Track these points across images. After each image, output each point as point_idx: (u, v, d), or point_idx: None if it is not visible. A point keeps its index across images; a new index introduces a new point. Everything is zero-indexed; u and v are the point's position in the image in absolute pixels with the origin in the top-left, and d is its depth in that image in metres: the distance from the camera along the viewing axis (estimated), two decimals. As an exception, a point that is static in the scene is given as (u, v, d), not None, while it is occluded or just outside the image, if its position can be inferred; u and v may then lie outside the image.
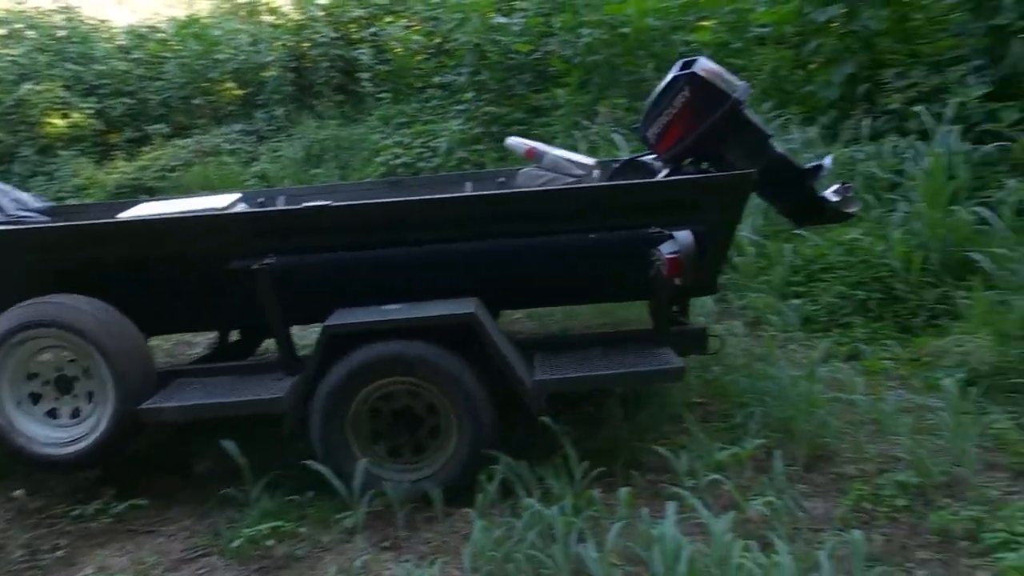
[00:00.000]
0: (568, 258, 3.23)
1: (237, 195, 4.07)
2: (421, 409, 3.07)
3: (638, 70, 7.89)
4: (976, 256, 4.12)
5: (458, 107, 9.19)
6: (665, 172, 3.54)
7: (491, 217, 3.20)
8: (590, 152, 6.31)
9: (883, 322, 4.35)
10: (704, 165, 3.44)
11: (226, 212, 3.58)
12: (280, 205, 4.16)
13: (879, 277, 4.48)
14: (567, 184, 3.65)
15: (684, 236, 2.95)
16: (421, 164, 8.61)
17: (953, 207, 4.55)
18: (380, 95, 10.29)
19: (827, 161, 3.48)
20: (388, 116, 9.79)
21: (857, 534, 2.38)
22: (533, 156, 3.80)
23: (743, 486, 2.87)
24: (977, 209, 4.48)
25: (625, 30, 7.99)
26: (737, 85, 3.28)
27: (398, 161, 8.71)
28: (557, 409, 3.06)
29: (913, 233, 4.58)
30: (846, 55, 6.36)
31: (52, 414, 3.19)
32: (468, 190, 4.21)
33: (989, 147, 4.91)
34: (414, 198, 3.43)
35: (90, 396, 3.15)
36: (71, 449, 3.08)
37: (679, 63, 3.38)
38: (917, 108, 5.42)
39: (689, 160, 3.45)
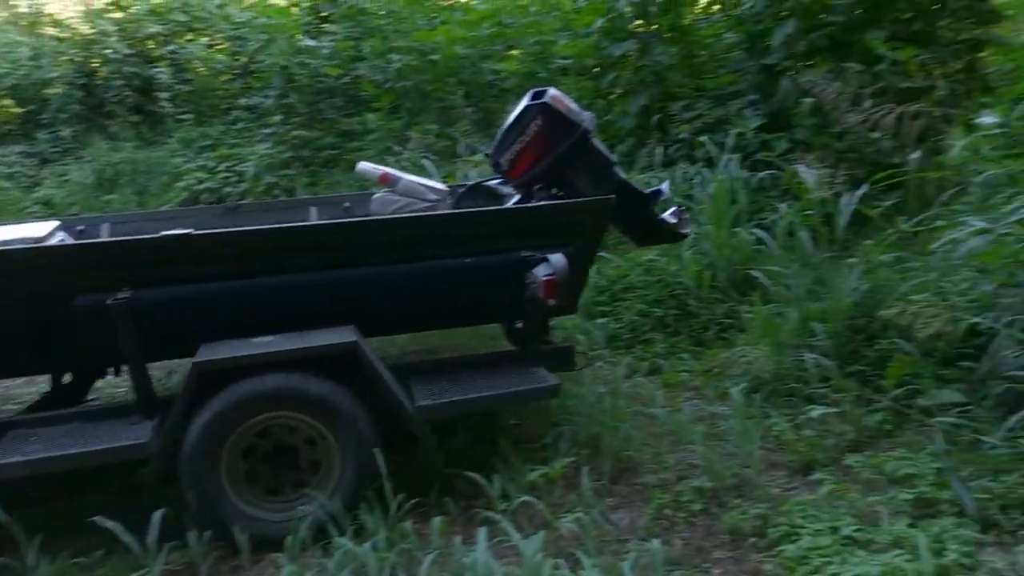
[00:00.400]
0: (443, 283, 3.21)
1: (54, 223, 3.66)
2: (299, 443, 2.94)
3: (448, 97, 8.01)
4: (756, 273, 4.52)
5: (265, 130, 8.90)
6: (516, 198, 3.64)
7: (366, 243, 3.14)
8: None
9: (680, 337, 4.66)
10: (554, 191, 3.57)
11: (78, 243, 3.20)
12: (105, 234, 3.78)
13: (675, 295, 4.81)
14: (422, 209, 3.65)
15: (558, 259, 3.05)
16: (227, 189, 8.26)
17: (736, 229, 4.96)
18: (181, 116, 9.79)
19: (665, 187, 3.75)
20: (190, 139, 9.31)
21: (656, 543, 2.52)
22: (387, 181, 3.80)
23: (554, 504, 2.96)
24: (755, 231, 4.91)
25: (435, 57, 8.10)
26: (584, 115, 3.45)
27: (202, 186, 8.30)
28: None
29: (703, 253, 4.94)
30: (640, 87, 6.80)
31: None
32: (313, 215, 4.09)
33: (763, 174, 5.41)
34: (290, 225, 3.24)
35: None
36: None
37: (530, 93, 3.49)
38: (703, 138, 5.89)
39: (539, 186, 3.56)
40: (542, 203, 3.52)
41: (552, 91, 3.45)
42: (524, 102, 3.47)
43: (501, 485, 2.97)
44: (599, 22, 6.84)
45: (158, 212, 4.54)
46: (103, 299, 2.78)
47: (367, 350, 2.89)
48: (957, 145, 3.14)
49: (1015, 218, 3.01)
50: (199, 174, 8.44)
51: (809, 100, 4.03)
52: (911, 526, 2.62)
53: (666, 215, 3.73)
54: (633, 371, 4.26)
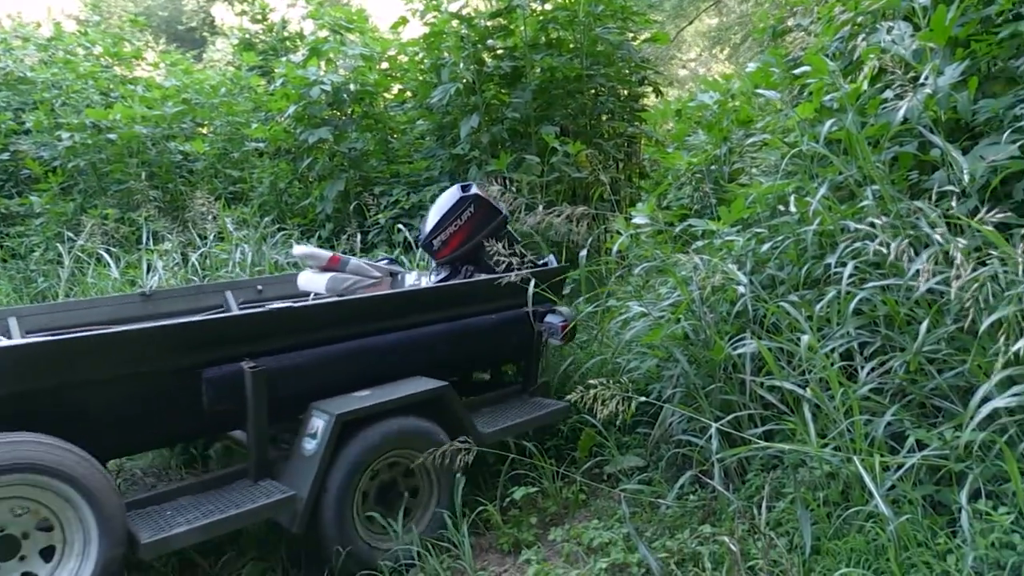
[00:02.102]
0: (478, 335, 3.77)
1: None
2: (398, 476, 3.25)
3: (129, 179, 7.42)
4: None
5: None
6: (443, 274, 4.25)
7: (429, 305, 3.64)
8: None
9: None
10: (469, 268, 4.18)
11: (204, 319, 3.12)
12: (14, 327, 3.65)
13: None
14: (368, 286, 4.08)
15: (564, 309, 3.81)
16: None
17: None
18: None
19: (551, 259, 4.29)
20: None
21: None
22: (338, 262, 4.10)
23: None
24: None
25: (112, 136, 7.48)
26: (502, 205, 4.19)
27: None
28: None
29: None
30: (338, 172, 6.85)
31: None
32: (230, 299, 4.28)
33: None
34: (382, 293, 3.73)
35: (50, 553, 2.54)
36: None
37: (458, 187, 4.20)
38: (400, 223, 6.07)
39: (461, 263, 4.20)
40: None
41: (475, 185, 4.22)
42: (456, 194, 4.14)
43: None
44: (291, 108, 6.80)
45: (74, 302, 4.04)
46: (234, 369, 2.92)
47: (453, 392, 3.36)
48: (621, 237, 3.59)
49: (668, 302, 3.48)
50: None
51: (495, 188, 4.43)
52: (608, 594, 2.83)
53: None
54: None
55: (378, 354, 3.42)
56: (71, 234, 6.73)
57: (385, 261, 4.44)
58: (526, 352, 3.96)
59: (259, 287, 4.46)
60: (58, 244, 6.62)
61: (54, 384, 2.65)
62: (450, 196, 4.17)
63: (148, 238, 6.47)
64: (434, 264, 4.36)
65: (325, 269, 4.07)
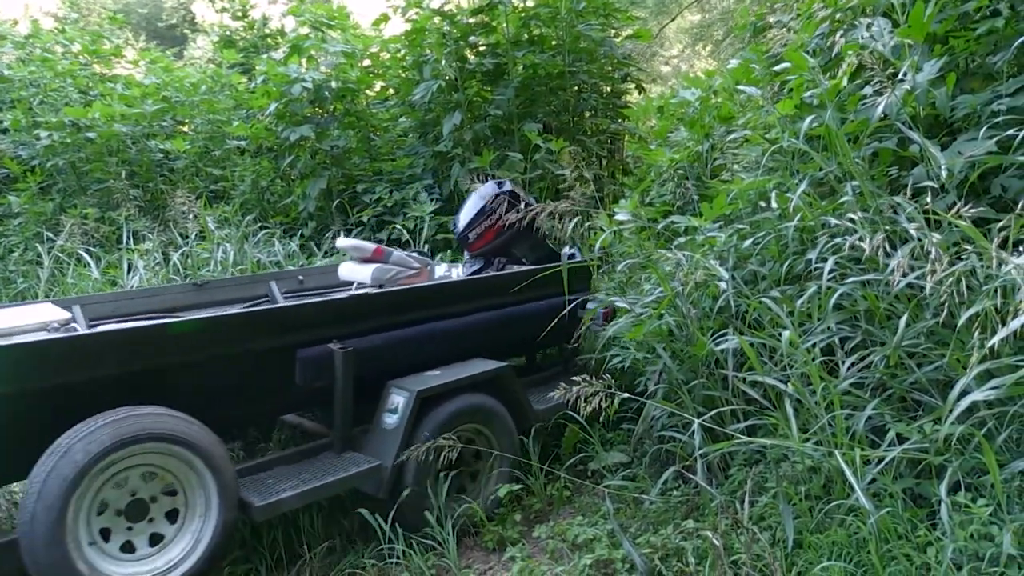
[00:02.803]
0: (530, 319, 4.01)
1: (48, 304, 3.65)
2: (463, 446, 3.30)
3: (109, 178, 7.34)
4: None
5: None
6: (476, 266, 4.52)
7: (493, 292, 3.94)
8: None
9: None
10: (502, 260, 4.43)
11: (302, 303, 3.37)
12: (79, 315, 3.76)
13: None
14: (411, 276, 4.27)
15: (603, 297, 3.93)
16: None
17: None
18: None
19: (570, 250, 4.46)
20: None
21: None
22: (381, 253, 4.26)
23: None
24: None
25: (92, 134, 7.40)
26: (532, 199, 4.45)
27: None
28: None
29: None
30: (320, 170, 6.81)
31: (127, 548, 2.68)
32: (274, 288, 4.44)
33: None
34: (458, 280, 4.15)
35: (173, 516, 2.78)
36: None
37: (494, 183, 4.51)
38: (387, 219, 6.05)
39: (493, 256, 4.46)
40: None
41: (507, 182, 4.54)
42: (492, 190, 4.42)
43: None
44: (273, 106, 6.75)
45: (135, 291, 4.25)
46: (323, 349, 3.17)
47: (512, 372, 3.67)
48: (604, 233, 3.59)
49: (650, 299, 3.49)
50: None
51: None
52: (592, 590, 2.84)
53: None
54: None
55: (444, 337, 3.69)
56: (50, 234, 6.65)
57: (416, 254, 4.58)
58: (566, 336, 4.08)
59: (300, 277, 4.72)
60: (37, 244, 6.54)
61: (179, 361, 2.91)
62: (485, 192, 4.45)
63: (128, 238, 6.41)
64: (467, 256, 4.65)
65: (368, 260, 4.26)
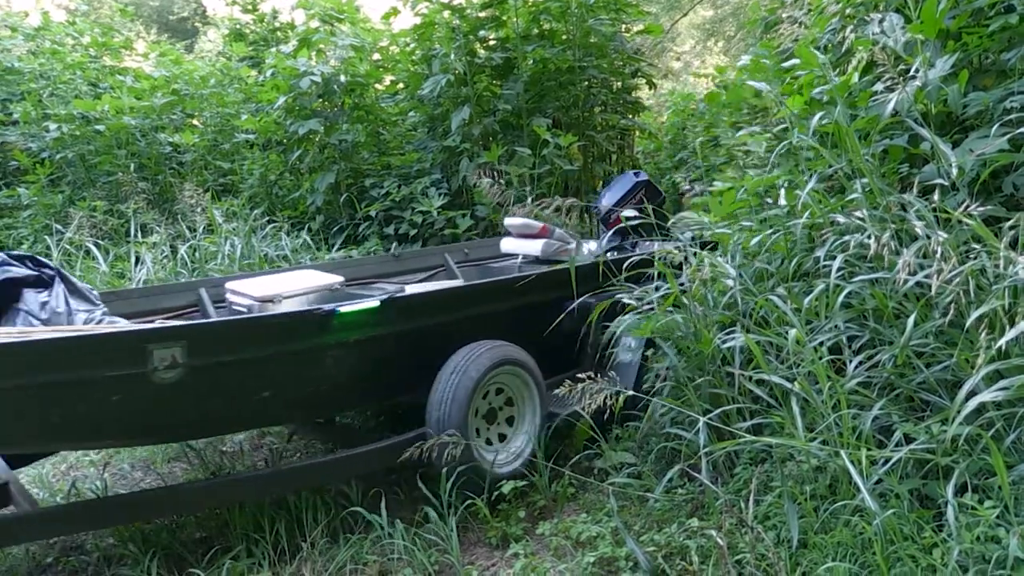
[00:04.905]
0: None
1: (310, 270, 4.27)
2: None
3: (118, 170, 7.36)
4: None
5: None
6: (615, 242, 4.96)
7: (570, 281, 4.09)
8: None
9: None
10: (635, 238, 4.91)
11: (562, 267, 3.95)
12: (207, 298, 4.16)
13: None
14: (570, 249, 4.78)
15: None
16: None
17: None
18: None
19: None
20: None
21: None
22: (547, 231, 4.77)
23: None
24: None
25: (101, 127, 7.42)
26: (660, 188, 5.11)
27: None
28: None
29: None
30: (328, 164, 6.81)
31: (487, 441, 3.59)
32: (449, 260, 5.06)
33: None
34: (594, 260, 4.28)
35: (510, 421, 3.67)
36: (516, 464, 3.57)
37: (632, 173, 5.23)
38: (395, 213, 6.04)
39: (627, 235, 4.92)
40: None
41: (642, 173, 5.21)
42: (632, 179, 5.12)
43: None
44: (281, 99, 6.75)
45: (344, 260, 4.98)
46: (586, 302, 3.84)
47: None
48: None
49: (657, 295, 3.47)
50: None
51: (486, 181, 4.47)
52: (595, 588, 2.83)
53: None
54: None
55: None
56: (59, 226, 6.68)
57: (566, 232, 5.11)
58: None
59: (465, 250, 5.32)
60: (46, 236, 6.57)
61: (511, 306, 3.84)
62: (627, 179, 5.16)
63: (137, 230, 6.42)
64: (605, 231, 5.17)
65: (536, 236, 4.83)
